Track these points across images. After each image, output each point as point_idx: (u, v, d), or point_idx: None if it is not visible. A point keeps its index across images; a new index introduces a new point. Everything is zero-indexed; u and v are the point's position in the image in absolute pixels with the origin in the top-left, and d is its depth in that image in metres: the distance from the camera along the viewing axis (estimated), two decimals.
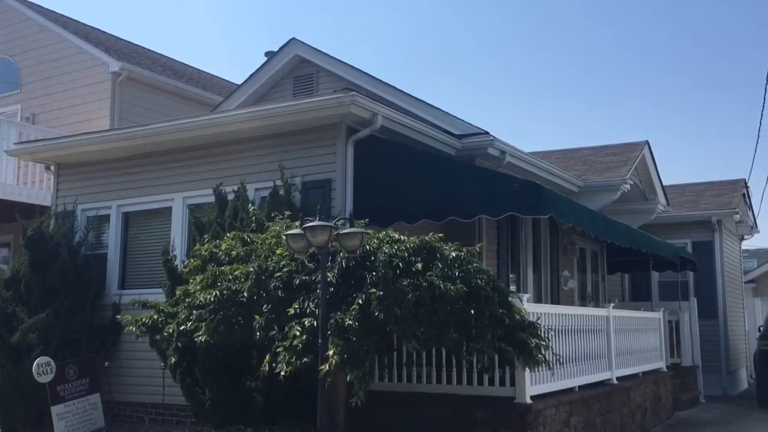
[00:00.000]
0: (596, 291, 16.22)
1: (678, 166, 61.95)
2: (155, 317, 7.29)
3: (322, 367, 5.95)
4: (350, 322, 6.00)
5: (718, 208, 17.87)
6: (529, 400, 7.82)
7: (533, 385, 7.99)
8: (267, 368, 6.21)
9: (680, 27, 54.97)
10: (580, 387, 9.36)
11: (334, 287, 6.45)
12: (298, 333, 6.07)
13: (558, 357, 7.87)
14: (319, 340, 6.10)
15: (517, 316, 6.79)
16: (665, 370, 13.24)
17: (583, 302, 15.28)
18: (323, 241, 6.24)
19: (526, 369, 7.22)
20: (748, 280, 24.13)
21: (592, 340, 9.97)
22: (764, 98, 13.09)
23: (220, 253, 7.43)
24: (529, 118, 66.42)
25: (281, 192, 8.85)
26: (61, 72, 16.22)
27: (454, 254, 6.70)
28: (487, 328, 6.50)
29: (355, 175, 9.21)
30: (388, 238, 6.98)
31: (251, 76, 13.43)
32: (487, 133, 10.94)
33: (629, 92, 61.74)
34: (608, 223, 10.71)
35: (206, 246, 7.68)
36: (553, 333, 8.06)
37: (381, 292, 6.09)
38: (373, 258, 6.50)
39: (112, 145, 10.71)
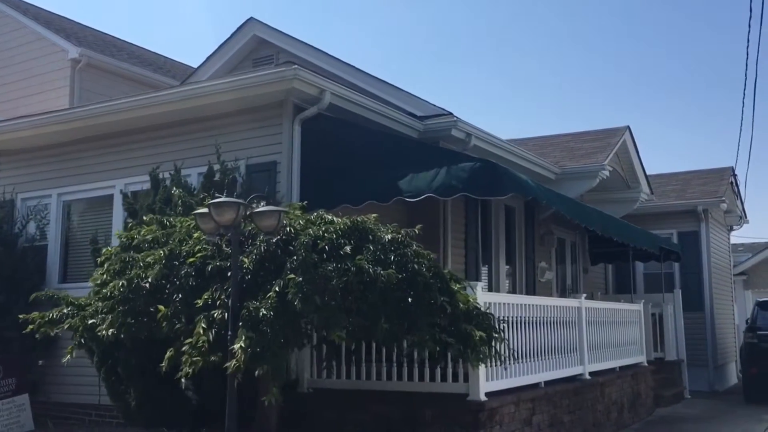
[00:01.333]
0: (577, 283, 15.54)
1: (667, 156, 61.36)
2: (65, 311, 6.62)
3: (229, 364, 5.28)
4: (265, 311, 5.33)
5: (705, 196, 17.22)
6: (483, 397, 7.17)
7: (489, 380, 7.36)
8: (165, 365, 5.54)
9: (666, 15, 54.37)
10: (547, 382, 8.71)
11: (251, 274, 5.78)
12: (202, 330, 5.40)
13: (512, 351, 7.21)
14: (230, 333, 5.44)
15: (462, 305, 6.12)
16: (646, 364, 12.60)
17: (562, 295, 14.62)
18: (230, 219, 5.57)
19: (479, 364, 6.57)
20: (738, 273, 23.49)
21: (562, 332, 9.33)
22: (745, 76, 12.43)
23: (139, 238, 6.77)
24: (527, 111, 65.86)
25: (217, 176, 8.20)
26: (20, 60, 15.56)
27: (389, 237, 6.02)
28: (426, 318, 5.84)
29: (303, 156, 8.60)
30: (319, 220, 6.31)
31: (208, 58, 12.73)
32: (450, 113, 10.28)
33: (616, 80, 61.18)
34: (577, 206, 10.05)
35: (126, 232, 7.02)
36: (506, 325, 7.40)
37: (300, 278, 5.43)
38: (296, 242, 5.83)
39: (47, 129, 10.06)
